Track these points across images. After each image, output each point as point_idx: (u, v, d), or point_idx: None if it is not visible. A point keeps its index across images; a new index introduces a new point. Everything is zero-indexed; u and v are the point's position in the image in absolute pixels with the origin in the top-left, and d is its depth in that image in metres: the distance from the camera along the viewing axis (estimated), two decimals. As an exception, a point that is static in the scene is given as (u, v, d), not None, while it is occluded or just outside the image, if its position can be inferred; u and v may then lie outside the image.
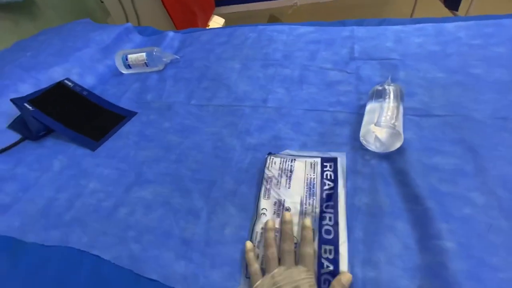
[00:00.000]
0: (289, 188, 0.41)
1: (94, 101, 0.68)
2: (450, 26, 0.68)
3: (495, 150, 0.42)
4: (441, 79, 0.56)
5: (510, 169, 0.39)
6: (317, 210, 0.38)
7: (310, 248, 0.34)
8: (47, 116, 0.62)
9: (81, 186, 0.50)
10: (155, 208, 0.44)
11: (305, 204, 0.39)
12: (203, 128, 0.57)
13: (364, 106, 0.51)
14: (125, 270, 0.38)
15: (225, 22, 1.53)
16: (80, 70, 0.78)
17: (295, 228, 0.37)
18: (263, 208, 0.40)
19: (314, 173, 0.43)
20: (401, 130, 0.43)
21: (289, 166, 0.44)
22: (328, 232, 0.36)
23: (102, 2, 1.20)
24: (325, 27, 0.78)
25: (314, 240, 0.35)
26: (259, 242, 0.37)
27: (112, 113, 0.66)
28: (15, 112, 0.66)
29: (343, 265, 0.33)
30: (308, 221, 0.37)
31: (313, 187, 0.41)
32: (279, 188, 0.42)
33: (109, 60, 0.85)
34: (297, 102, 0.58)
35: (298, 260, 0.34)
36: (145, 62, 0.76)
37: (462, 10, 1.58)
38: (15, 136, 0.64)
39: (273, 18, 2.18)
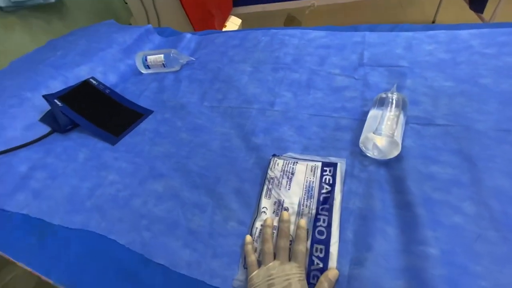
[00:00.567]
0: (289, 189, 0.44)
1: (115, 99, 0.74)
2: (463, 33, 0.68)
3: (493, 162, 0.43)
4: (447, 88, 0.57)
5: (505, 181, 0.40)
6: (313, 211, 0.41)
7: (303, 246, 0.37)
8: (73, 111, 0.68)
9: (101, 177, 0.56)
10: (165, 200, 0.49)
11: (303, 206, 0.42)
12: (212, 128, 0.61)
13: (368, 112, 0.53)
14: (137, 254, 0.42)
15: (242, 22, 1.56)
16: (103, 69, 0.84)
17: (292, 227, 0.40)
18: (264, 207, 0.43)
19: (313, 176, 0.45)
20: (399, 139, 0.45)
21: (291, 169, 0.47)
22: (321, 232, 0.39)
23: (126, 3, 1.26)
24: (337, 32, 0.79)
25: (307, 239, 0.38)
26: (257, 237, 0.41)
27: (131, 111, 0.71)
28: (46, 106, 0.73)
29: (332, 263, 0.36)
30: (303, 222, 0.40)
31: (312, 190, 0.44)
32: (280, 189, 0.45)
33: (130, 59, 0.91)
34: (303, 107, 0.61)
35: (291, 256, 0.37)
36: (163, 63, 0.81)
37: (487, 12, 1.52)
38: (45, 129, 0.71)
39: (290, 18, 2.18)
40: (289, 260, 0.36)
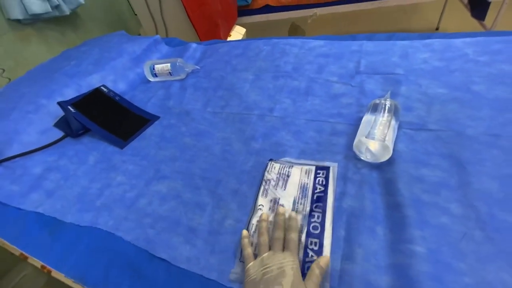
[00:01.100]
0: (284, 189, 0.47)
1: (124, 105, 0.79)
2: (458, 42, 0.70)
3: (482, 166, 0.44)
4: (441, 94, 0.59)
5: (493, 184, 0.42)
6: (308, 208, 0.43)
7: (295, 235, 0.39)
8: (85, 117, 0.73)
9: (110, 178, 0.59)
10: (168, 200, 0.52)
11: (298, 203, 0.45)
12: (215, 133, 0.64)
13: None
14: (141, 250, 0.45)
15: (247, 31, 1.61)
16: (114, 77, 0.89)
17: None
18: (260, 204, 0.46)
19: (308, 178, 0.48)
20: (390, 143, 0.47)
21: (287, 172, 0.50)
22: (315, 227, 0.41)
23: (136, 15, 1.33)
24: (336, 41, 0.82)
25: (302, 233, 0.40)
26: (254, 232, 0.43)
27: (138, 117, 0.75)
28: (60, 112, 0.78)
29: (326, 255, 0.38)
30: (293, 213, 0.42)
31: (306, 190, 0.46)
32: (276, 189, 0.47)
33: (139, 68, 0.96)
34: (300, 113, 0.63)
35: (285, 246, 0.39)
36: (169, 72, 0.86)
37: (489, 19, 1.53)
38: (59, 133, 0.75)
39: (294, 27, 2.23)
40: (283, 250, 0.38)
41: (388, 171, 0.47)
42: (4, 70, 1.02)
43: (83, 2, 1.23)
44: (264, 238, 0.40)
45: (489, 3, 1.44)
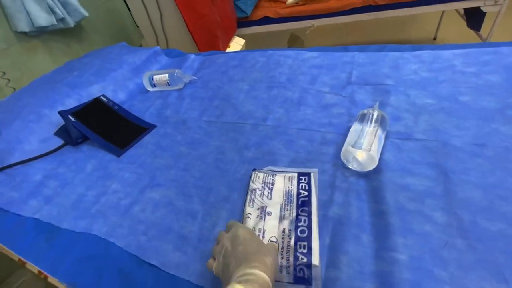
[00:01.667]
0: (270, 198, 0.48)
1: (123, 115, 0.81)
2: (447, 53, 0.72)
3: (466, 175, 0.45)
4: (429, 105, 0.60)
5: (476, 193, 0.43)
6: (294, 214, 0.45)
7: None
8: (84, 126, 0.75)
9: (106, 186, 0.61)
10: (161, 207, 0.53)
11: (284, 210, 0.46)
12: (209, 141, 0.66)
13: (352, 128, 0.57)
14: (133, 256, 0.46)
15: (247, 41, 1.65)
16: (114, 87, 0.92)
17: (276, 230, 0.43)
18: (248, 213, 0.47)
19: (291, 185, 0.49)
20: (376, 153, 0.48)
21: (271, 180, 0.51)
22: (302, 231, 0.42)
23: (138, 27, 1.37)
24: (329, 52, 0.84)
25: (290, 238, 0.41)
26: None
27: (136, 125, 0.77)
28: (61, 121, 0.80)
29: (315, 257, 0.39)
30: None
31: (290, 196, 0.47)
32: (262, 198, 0.49)
33: (138, 79, 0.98)
34: (293, 122, 0.65)
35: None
36: (167, 82, 0.88)
37: (485, 29, 1.55)
38: (59, 142, 0.77)
39: (294, 38, 2.28)
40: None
41: (374, 180, 0.48)
42: (4, 73, 1.06)
43: (87, 15, 1.28)
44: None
45: (484, 14, 1.46)
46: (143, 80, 0.91)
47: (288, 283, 0.38)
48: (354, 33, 2.39)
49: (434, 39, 2.08)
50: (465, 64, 0.67)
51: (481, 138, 0.50)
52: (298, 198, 0.47)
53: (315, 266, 0.38)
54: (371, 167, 0.49)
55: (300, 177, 0.50)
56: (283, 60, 0.86)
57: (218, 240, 0.40)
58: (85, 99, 0.86)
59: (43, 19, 1.10)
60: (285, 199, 0.47)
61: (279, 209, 0.46)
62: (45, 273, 0.49)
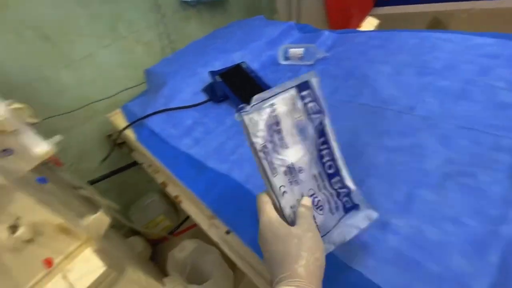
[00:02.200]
0: (287, 147, 0.36)
1: (258, 82, 0.88)
2: None
3: None
4: None
5: None
6: (315, 152, 0.38)
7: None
8: (227, 86, 0.86)
9: (241, 140, 0.69)
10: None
11: (308, 154, 0.37)
12: (341, 121, 0.65)
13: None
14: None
15: (379, 23, 1.50)
16: (251, 57, 1.01)
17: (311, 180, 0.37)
18: (281, 186, 0.35)
19: (298, 112, 0.37)
20: None
21: (273, 118, 0.35)
22: (329, 166, 0.40)
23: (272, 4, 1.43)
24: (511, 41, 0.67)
25: (324, 180, 0.39)
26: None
27: (268, 93, 0.84)
28: (207, 80, 0.95)
29: (349, 182, 0.40)
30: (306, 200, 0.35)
31: (305, 130, 0.37)
32: (279, 153, 0.35)
33: (271, 51, 1.04)
34: (449, 116, 0.56)
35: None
36: (301, 56, 0.90)
37: None
38: (204, 97, 0.92)
39: (436, 22, 1.92)
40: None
41: None
42: (169, 35, 1.30)
43: (234, -11, 1.41)
44: None
45: None
46: (278, 52, 0.96)
47: (340, 218, 0.38)
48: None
49: None
50: None
51: None
52: (314, 128, 0.38)
53: (353, 190, 0.39)
54: None
55: (302, 94, 0.37)
56: (441, 44, 0.74)
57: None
58: (228, 63, 0.98)
59: (203, -10, 1.28)
60: (302, 139, 0.36)
61: (304, 155, 0.36)
62: (195, 196, 0.61)
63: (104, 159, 1.15)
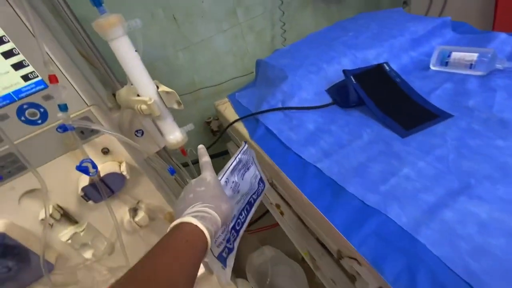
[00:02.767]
0: (242, 179, 0.53)
1: (405, 90, 0.70)
2: None
3: None
4: None
5: None
6: (244, 203, 0.52)
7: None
8: (363, 91, 0.71)
9: (393, 166, 0.54)
10: (494, 233, 0.39)
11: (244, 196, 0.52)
12: None
13: None
14: (456, 276, 0.36)
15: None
16: (387, 56, 0.83)
17: None
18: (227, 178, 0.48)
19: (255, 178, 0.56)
20: None
21: (248, 165, 0.55)
22: (239, 223, 0.50)
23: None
24: None
25: (231, 222, 0.47)
26: None
27: (422, 107, 0.65)
28: (333, 79, 0.81)
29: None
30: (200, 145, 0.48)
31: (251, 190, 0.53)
32: (240, 175, 0.52)
33: (415, 51, 0.84)
34: None
35: None
36: (471, 63, 0.68)
37: None
38: (327, 99, 0.79)
39: None
40: None
41: None
42: (284, 24, 1.20)
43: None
44: None
45: None
46: (433, 55, 0.76)
47: (213, 255, 0.41)
48: None
49: None
50: None
51: None
52: (250, 196, 0.53)
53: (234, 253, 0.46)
54: None
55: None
56: None
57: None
58: (359, 62, 0.82)
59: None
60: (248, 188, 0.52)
61: (241, 194, 0.50)
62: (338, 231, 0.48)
63: (209, 147, 1.13)
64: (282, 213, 0.77)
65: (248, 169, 0.54)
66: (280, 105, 0.80)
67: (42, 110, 0.44)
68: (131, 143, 0.50)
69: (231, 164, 0.50)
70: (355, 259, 0.47)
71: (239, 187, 0.50)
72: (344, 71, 0.75)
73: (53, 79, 0.39)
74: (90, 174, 0.46)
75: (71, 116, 0.46)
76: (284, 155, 0.67)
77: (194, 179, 0.41)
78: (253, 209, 0.54)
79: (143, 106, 0.47)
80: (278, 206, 0.79)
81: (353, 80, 0.73)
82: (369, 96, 0.70)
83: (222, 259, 0.43)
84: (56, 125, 0.45)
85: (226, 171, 0.48)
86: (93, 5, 0.40)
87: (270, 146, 0.71)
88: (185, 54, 1.05)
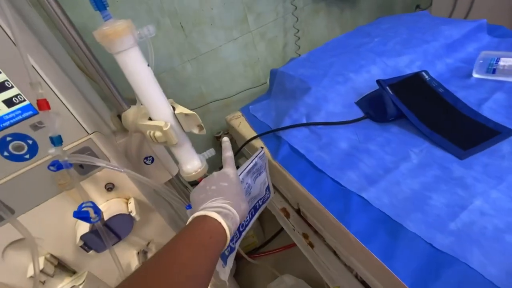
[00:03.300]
0: (254, 182, 0.55)
1: (451, 102, 0.62)
2: None
3: None
4: None
5: None
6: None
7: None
8: (402, 103, 0.62)
9: (460, 197, 0.44)
10: None
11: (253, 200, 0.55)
12: None
13: None
14: None
15: None
16: (421, 63, 0.75)
17: None
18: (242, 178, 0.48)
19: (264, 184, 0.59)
20: None
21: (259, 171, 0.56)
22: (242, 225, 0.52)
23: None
24: None
25: None
26: None
27: (476, 122, 0.56)
28: (363, 90, 0.72)
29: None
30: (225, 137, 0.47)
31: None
32: (254, 178, 0.54)
33: (449, 58, 0.76)
34: None
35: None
36: (526, 71, 0.60)
37: None
38: (358, 112, 0.70)
39: None
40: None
41: None
42: (298, 31, 1.13)
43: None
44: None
45: None
46: (477, 61, 0.67)
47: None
48: None
49: None
50: None
51: None
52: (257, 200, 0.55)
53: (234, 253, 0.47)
54: None
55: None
56: None
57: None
58: (390, 70, 0.74)
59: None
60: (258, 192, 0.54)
61: (250, 197, 0.52)
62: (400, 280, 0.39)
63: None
64: (311, 245, 0.67)
65: (260, 174, 0.56)
66: (304, 120, 0.71)
67: (30, 142, 0.35)
68: (144, 180, 0.41)
69: (247, 166, 0.51)
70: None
71: (251, 189, 0.52)
72: (378, 81, 0.66)
73: (43, 104, 0.30)
74: (92, 221, 0.36)
75: (67, 148, 0.36)
76: (316, 180, 0.58)
77: (217, 172, 0.41)
78: (257, 214, 0.56)
79: (158, 133, 0.37)
80: (306, 236, 0.69)
81: (390, 91, 0.64)
82: (409, 109, 0.61)
83: (224, 257, 0.44)
84: (49, 159, 0.35)
85: (243, 171, 0.49)
86: (95, 8, 0.31)
87: (298, 168, 0.62)
88: (192, 65, 0.96)
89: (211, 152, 0.47)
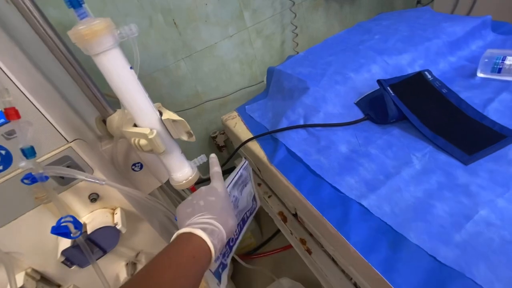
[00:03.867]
0: (241, 194, 0.53)
1: (455, 103, 0.59)
2: None
3: None
4: None
5: None
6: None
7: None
8: (404, 105, 0.59)
9: (464, 205, 0.42)
10: None
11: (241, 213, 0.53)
12: None
13: None
14: None
15: None
16: (423, 62, 0.72)
17: None
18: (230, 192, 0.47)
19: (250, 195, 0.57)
20: None
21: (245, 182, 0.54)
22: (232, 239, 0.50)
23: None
24: None
25: None
26: None
27: (480, 125, 0.54)
28: (363, 90, 0.69)
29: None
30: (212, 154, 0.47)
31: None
32: (240, 190, 0.52)
33: (452, 56, 0.73)
34: None
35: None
36: (534, 70, 0.57)
37: None
38: (357, 113, 0.67)
39: None
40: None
41: None
42: (296, 27, 1.09)
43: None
44: None
45: None
46: (481, 60, 0.65)
47: (210, 271, 0.41)
48: None
49: None
50: None
51: None
52: (245, 212, 0.53)
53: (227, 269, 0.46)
54: None
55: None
56: None
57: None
58: (391, 69, 0.71)
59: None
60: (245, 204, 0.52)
61: (238, 210, 0.50)
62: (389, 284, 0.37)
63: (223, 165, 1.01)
64: (309, 251, 0.65)
65: (245, 185, 0.55)
66: (302, 122, 0.68)
67: (3, 152, 0.32)
68: (127, 191, 0.38)
69: (233, 178, 0.49)
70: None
71: (238, 202, 0.51)
72: (378, 81, 0.63)
73: (11, 113, 0.27)
74: (73, 236, 0.34)
75: (44, 158, 0.34)
76: (314, 186, 0.55)
77: (205, 186, 0.40)
78: (245, 227, 0.55)
79: (143, 141, 0.35)
80: (303, 241, 0.67)
81: (391, 91, 0.61)
82: (411, 110, 0.59)
83: (218, 276, 0.43)
84: (25, 171, 0.33)
85: (229, 184, 0.48)
86: (68, 6, 0.28)
87: (296, 173, 0.59)
88: (187, 63, 0.93)
89: (202, 158, 0.45)
